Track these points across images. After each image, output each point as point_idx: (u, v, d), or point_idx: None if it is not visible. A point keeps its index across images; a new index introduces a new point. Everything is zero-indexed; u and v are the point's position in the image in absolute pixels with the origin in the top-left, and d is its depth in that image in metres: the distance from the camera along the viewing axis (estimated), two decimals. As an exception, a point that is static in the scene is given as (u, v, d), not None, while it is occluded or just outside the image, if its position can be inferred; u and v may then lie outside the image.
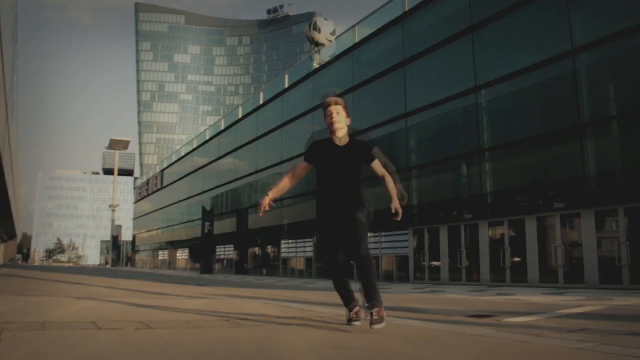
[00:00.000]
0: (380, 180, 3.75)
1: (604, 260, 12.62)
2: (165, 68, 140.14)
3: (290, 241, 26.03)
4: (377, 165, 3.67)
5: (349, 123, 3.65)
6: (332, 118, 3.55)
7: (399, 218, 3.59)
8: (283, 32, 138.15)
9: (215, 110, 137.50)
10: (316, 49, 4.42)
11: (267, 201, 3.61)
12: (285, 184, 3.73)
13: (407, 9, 19.45)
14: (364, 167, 3.68)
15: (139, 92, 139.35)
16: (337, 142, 3.61)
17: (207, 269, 33.31)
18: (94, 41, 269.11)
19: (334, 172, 3.62)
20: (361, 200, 3.64)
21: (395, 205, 3.61)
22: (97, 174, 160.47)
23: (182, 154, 46.73)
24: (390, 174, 3.73)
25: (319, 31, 3.91)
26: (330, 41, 3.95)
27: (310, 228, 24.51)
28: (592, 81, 13.24)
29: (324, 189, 3.64)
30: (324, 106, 3.61)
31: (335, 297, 3.95)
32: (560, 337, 3.59)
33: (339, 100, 3.62)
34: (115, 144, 66.46)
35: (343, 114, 3.59)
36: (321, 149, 3.66)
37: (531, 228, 14.27)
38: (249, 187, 31.90)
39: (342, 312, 4.91)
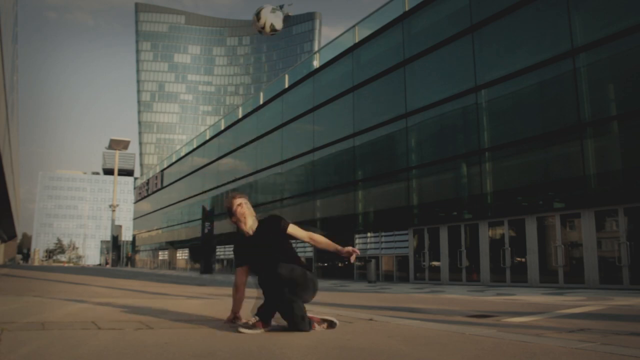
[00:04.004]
0: (313, 244, 3.86)
1: (604, 260, 12.62)
2: (165, 68, 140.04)
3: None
4: (294, 229, 3.76)
5: (252, 213, 3.82)
6: (240, 210, 3.74)
7: (354, 257, 3.66)
8: (283, 32, 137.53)
9: (215, 110, 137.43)
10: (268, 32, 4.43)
11: (232, 317, 3.83)
12: (240, 296, 3.87)
13: (407, 9, 19.45)
14: (285, 238, 3.77)
15: (139, 92, 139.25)
16: (247, 232, 3.77)
17: (207, 269, 33.31)
18: (94, 41, 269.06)
19: (256, 262, 3.72)
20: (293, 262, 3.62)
21: (345, 249, 3.67)
22: (97, 174, 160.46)
23: (182, 154, 46.72)
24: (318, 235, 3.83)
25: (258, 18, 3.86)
26: (275, 30, 3.83)
27: (310, 228, 24.49)
28: (592, 81, 13.24)
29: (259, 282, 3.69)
30: (227, 207, 3.78)
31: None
32: (560, 337, 3.59)
33: (236, 195, 3.81)
34: (115, 144, 66.46)
35: (247, 203, 3.79)
36: (243, 249, 3.80)
37: (531, 228, 14.27)
38: (249, 187, 31.89)
39: (342, 312, 4.91)
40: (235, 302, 3.87)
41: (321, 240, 3.79)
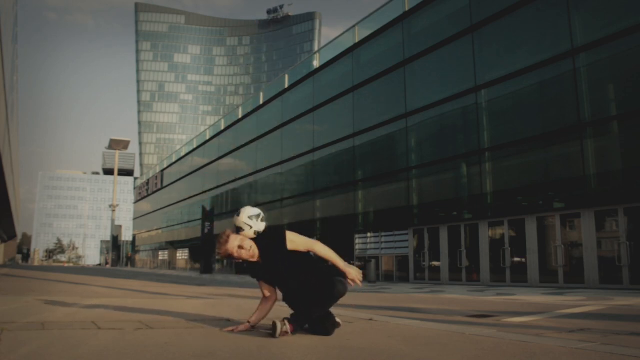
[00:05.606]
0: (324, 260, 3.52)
1: (604, 260, 12.62)
2: (165, 68, 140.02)
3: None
4: (293, 244, 3.42)
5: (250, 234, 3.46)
6: (238, 256, 3.39)
7: (359, 281, 3.39)
8: (283, 32, 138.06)
9: (215, 110, 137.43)
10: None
11: (242, 328, 3.51)
12: (264, 306, 3.62)
13: (407, 9, 19.45)
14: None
15: (139, 92, 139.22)
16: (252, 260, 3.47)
17: (207, 269, 33.31)
18: (94, 41, 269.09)
19: (275, 283, 3.55)
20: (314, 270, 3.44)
21: (351, 272, 3.35)
22: (97, 174, 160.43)
23: (182, 154, 46.71)
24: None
25: (238, 214, 3.72)
26: (249, 225, 3.68)
27: (310, 228, 24.52)
28: (592, 81, 13.24)
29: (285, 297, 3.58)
30: (222, 254, 3.41)
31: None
32: (560, 337, 3.59)
33: (225, 236, 3.39)
34: (115, 144, 66.40)
35: (235, 241, 3.38)
36: (256, 271, 3.55)
37: (531, 228, 14.27)
38: (249, 187, 31.89)
39: (342, 312, 4.91)
40: (257, 312, 3.61)
41: (322, 252, 3.44)
